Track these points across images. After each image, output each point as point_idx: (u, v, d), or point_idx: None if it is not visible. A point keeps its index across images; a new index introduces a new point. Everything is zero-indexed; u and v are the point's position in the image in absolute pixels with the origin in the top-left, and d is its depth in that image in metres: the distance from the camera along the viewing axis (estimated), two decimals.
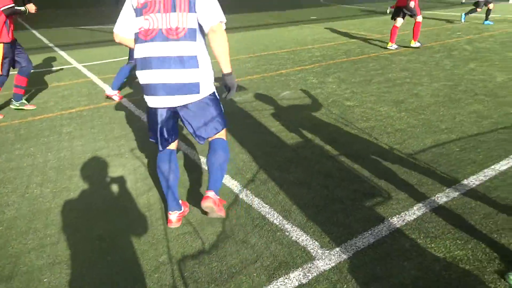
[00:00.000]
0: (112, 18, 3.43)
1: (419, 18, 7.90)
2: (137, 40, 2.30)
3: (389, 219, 2.60)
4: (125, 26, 2.35)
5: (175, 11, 2.16)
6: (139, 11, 2.25)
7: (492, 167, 3.23)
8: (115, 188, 3.13)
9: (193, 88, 2.26)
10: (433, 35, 9.83)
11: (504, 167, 3.22)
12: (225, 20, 2.24)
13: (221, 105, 2.51)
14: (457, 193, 2.87)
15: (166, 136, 2.46)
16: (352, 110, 4.68)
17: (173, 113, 2.40)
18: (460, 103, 4.79)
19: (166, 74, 2.22)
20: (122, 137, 4.11)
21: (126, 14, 2.34)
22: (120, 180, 3.23)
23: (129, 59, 5.10)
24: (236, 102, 5.05)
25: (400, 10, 7.93)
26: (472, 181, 3.03)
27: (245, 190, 3.03)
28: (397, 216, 2.63)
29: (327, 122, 4.32)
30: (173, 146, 2.56)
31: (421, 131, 3.99)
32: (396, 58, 7.32)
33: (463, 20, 11.86)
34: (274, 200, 2.87)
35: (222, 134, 2.51)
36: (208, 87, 2.35)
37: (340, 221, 2.60)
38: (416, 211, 2.69)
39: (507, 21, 12.14)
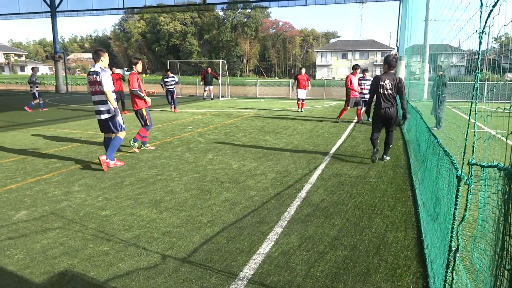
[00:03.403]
0: None
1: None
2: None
3: None
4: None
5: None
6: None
7: (258, 251, 3.46)
8: None
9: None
10: (168, 130, 10.61)
11: (267, 250, 3.50)
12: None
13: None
14: None
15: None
16: (110, 220, 4.21)
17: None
18: (212, 193, 5.13)
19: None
20: None
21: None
22: None
23: None
24: None
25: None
26: (247, 271, 3.13)
27: None
28: None
29: (84, 241, 3.68)
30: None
31: (187, 230, 3.95)
32: (142, 156, 7.36)
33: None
34: None
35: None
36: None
37: None
38: None
39: (223, 114, 14.61)
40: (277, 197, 4.98)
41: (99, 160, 6.18)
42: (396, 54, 21.53)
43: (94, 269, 3.15)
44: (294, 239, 3.72)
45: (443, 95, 9.30)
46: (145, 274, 3.09)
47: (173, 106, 15.82)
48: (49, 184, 5.52)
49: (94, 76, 6.08)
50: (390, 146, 7.02)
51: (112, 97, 6.14)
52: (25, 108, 15.57)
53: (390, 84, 6.53)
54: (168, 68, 17.53)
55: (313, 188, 5.36)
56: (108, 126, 6.30)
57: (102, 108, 6.23)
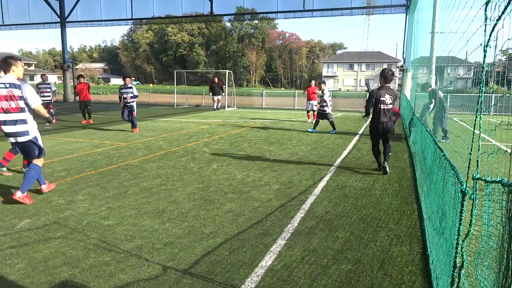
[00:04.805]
0: None
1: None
2: None
3: None
4: None
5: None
6: None
7: (260, 264, 3.42)
8: None
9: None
10: (173, 140, 10.64)
11: (269, 262, 3.46)
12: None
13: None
14: None
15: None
16: (112, 230, 4.19)
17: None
18: (215, 203, 5.10)
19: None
20: None
21: None
22: None
23: None
24: None
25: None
26: (249, 284, 3.09)
27: None
28: None
29: (86, 251, 3.66)
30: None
31: (189, 241, 3.92)
32: (147, 165, 7.37)
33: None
34: None
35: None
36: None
37: None
38: None
39: (228, 124, 14.62)
40: (281, 208, 4.94)
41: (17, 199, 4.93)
42: (402, 66, 21.53)
43: (95, 280, 3.13)
44: (297, 252, 3.68)
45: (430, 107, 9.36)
46: (145, 285, 3.06)
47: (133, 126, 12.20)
48: (54, 192, 5.53)
49: (10, 89, 4.89)
50: (390, 154, 7.06)
51: (44, 110, 5.22)
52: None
53: (390, 98, 6.73)
54: (126, 75, 13.57)
55: (317, 200, 5.32)
56: (30, 150, 5.18)
57: (22, 128, 5.04)
